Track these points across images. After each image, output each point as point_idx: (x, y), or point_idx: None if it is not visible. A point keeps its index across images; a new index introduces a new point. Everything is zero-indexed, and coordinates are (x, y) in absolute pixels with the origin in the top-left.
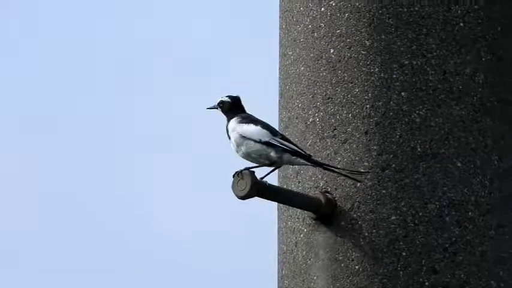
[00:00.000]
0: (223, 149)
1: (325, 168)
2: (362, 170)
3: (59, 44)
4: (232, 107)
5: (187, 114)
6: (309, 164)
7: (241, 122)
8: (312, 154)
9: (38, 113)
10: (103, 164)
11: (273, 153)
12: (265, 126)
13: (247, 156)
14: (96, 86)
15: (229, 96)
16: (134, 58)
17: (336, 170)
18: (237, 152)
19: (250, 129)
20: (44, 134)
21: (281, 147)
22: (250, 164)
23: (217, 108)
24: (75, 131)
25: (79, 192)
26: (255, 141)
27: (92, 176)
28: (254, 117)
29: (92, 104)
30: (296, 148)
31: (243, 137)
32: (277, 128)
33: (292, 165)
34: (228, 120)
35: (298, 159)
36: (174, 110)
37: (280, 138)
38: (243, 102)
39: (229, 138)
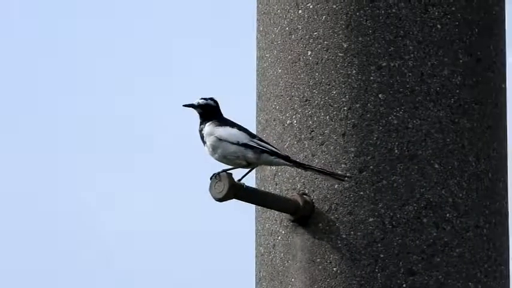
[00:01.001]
0: (194, 150)
1: (304, 168)
2: (342, 173)
3: None
4: (214, 111)
5: (167, 114)
6: (287, 163)
7: (217, 125)
8: (289, 156)
9: None
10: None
11: (250, 154)
12: (242, 129)
13: (223, 158)
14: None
15: (213, 100)
16: (109, 61)
17: (315, 169)
18: (212, 155)
19: (227, 132)
20: None
21: (259, 148)
22: (226, 167)
23: (197, 108)
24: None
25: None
26: (232, 143)
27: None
28: (230, 121)
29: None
30: (274, 149)
31: (220, 140)
32: (254, 130)
33: (271, 165)
34: (203, 124)
35: (277, 159)
36: (155, 110)
37: (258, 140)
38: (221, 105)
39: (204, 143)
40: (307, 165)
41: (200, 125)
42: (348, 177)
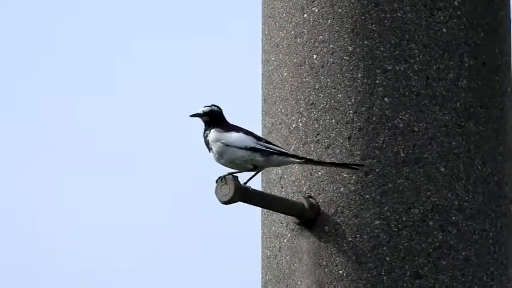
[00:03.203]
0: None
1: (314, 163)
2: (353, 163)
3: None
4: (220, 116)
5: (172, 117)
6: (297, 161)
7: (223, 131)
8: (297, 155)
9: None
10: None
11: (258, 157)
12: (248, 133)
13: (230, 163)
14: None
15: (216, 106)
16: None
17: (326, 163)
18: (218, 160)
19: (233, 137)
20: None
21: (267, 150)
22: (232, 170)
23: (203, 116)
24: None
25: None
26: (239, 148)
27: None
28: (234, 125)
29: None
30: (281, 149)
31: (227, 146)
32: (260, 133)
33: (280, 165)
34: (207, 130)
35: (287, 158)
36: (158, 110)
37: (265, 142)
38: (227, 109)
39: (210, 149)
40: (317, 160)
41: (204, 131)
42: (361, 165)
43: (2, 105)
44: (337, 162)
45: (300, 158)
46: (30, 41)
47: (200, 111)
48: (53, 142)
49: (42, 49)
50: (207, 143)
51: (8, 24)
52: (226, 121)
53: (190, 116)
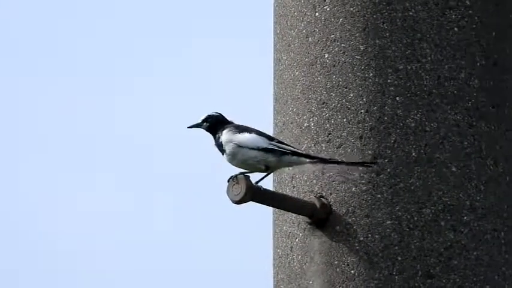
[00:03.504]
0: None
1: (326, 162)
2: (366, 161)
3: None
4: (220, 120)
5: (174, 118)
6: (309, 160)
7: (235, 132)
8: (310, 154)
9: None
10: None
11: (271, 158)
12: (260, 133)
13: (243, 163)
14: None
15: (214, 112)
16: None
17: (338, 161)
18: (231, 161)
19: (246, 137)
20: None
21: (279, 150)
22: (244, 170)
23: (202, 124)
24: None
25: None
26: (252, 148)
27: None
28: (246, 126)
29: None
30: (294, 149)
31: (239, 147)
32: (271, 132)
33: (292, 166)
34: (219, 133)
35: (299, 158)
36: (168, 110)
37: (277, 142)
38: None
39: (223, 151)
40: (329, 159)
41: (215, 135)
42: (373, 163)
43: (2, 105)
44: (349, 161)
45: (312, 158)
46: (30, 41)
47: (199, 120)
48: (53, 142)
49: (42, 49)
50: (219, 146)
51: (8, 24)
52: (233, 122)
53: (188, 127)
